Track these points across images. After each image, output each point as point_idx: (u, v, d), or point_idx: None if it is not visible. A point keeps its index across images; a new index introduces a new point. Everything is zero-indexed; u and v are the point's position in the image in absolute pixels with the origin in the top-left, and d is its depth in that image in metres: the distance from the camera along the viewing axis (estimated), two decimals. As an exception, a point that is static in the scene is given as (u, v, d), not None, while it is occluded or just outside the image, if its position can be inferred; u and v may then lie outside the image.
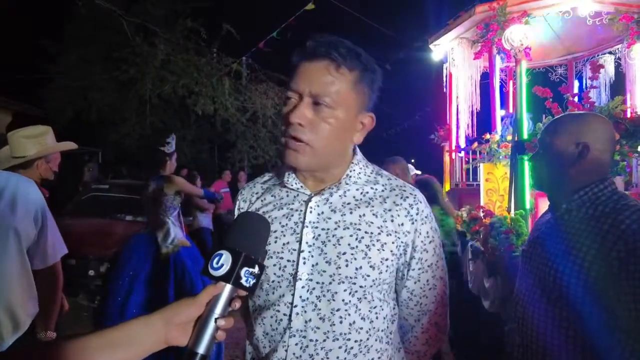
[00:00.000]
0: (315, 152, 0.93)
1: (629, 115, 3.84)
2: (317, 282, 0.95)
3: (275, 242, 0.98)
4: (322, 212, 0.98)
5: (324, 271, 0.94)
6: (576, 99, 3.90)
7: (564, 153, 1.25)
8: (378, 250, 0.95)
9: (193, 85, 9.52)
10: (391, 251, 0.97)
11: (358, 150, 1.06)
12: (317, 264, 0.95)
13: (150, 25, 9.10)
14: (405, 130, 14.32)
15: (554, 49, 5.54)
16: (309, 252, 0.96)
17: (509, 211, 3.96)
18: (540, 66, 6.00)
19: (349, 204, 0.98)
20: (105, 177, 8.69)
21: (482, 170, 4.52)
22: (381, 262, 0.95)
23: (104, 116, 10.13)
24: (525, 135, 4.10)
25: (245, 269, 0.73)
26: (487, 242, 3.71)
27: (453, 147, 5.44)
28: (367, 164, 1.06)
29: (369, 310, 0.96)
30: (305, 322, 0.94)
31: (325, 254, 0.95)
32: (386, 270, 0.97)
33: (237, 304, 0.75)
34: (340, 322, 0.94)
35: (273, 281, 0.97)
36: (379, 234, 0.96)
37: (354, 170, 1.02)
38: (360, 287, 0.94)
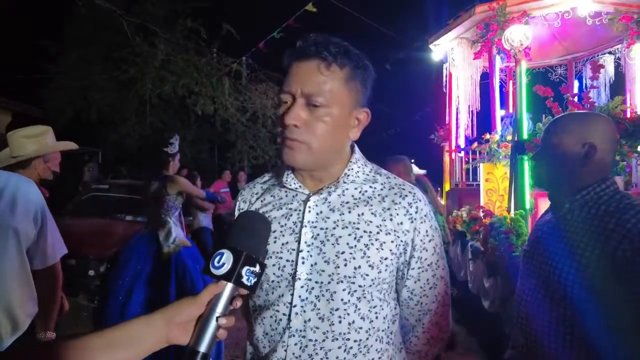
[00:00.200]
0: (312, 151, 0.93)
1: (628, 115, 3.85)
2: (316, 282, 0.95)
3: (275, 242, 0.98)
4: (321, 212, 0.98)
5: (323, 271, 0.94)
6: (576, 99, 3.90)
7: (569, 153, 1.25)
8: (377, 249, 0.95)
9: (193, 85, 9.52)
10: (390, 250, 0.96)
11: (357, 149, 1.06)
12: (315, 263, 0.95)
13: (150, 25, 9.11)
14: (405, 130, 14.34)
15: (554, 49, 5.55)
16: (308, 251, 0.96)
17: (508, 211, 3.96)
18: (540, 66, 6.01)
19: (347, 203, 0.98)
20: (105, 177, 8.69)
21: (482, 170, 4.52)
22: (380, 261, 0.95)
23: (104, 116, 10.13)
24: (525, 135, 4.11)
25: (246, 267, 0.73)
26: (487, 242, 3.72)
27: (453, 147, 5.45)
28: (366, 163, 1.06)
29: (369, 310, 0.96)
30: (305, 322, 0.94)
31: (324, 253, 0.95)
32: (385, 270, 0.96)
33: (238, 303, 0.76)
34: (340, 322, 0.94)
35: (272, 281, 0.98)
36: (378, 233, 0.96)
37: (352, 169, 1.01)
38: (360, 286, 0.94)
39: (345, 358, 0.94)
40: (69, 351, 0.68)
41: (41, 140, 2.09)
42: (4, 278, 1.70)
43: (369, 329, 0.96)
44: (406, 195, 1.00)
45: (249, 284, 0.74)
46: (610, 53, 5.30)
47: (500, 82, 5.42)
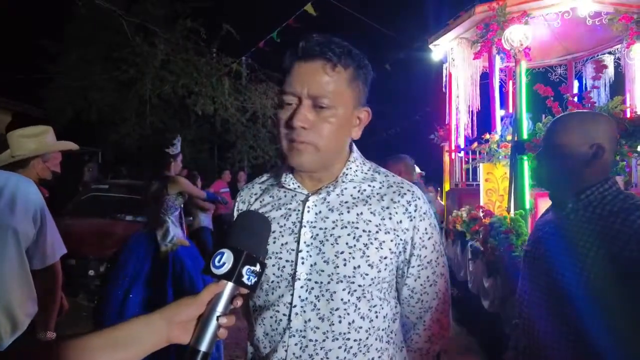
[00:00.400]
0: (319, 152, 0.93)
1: (628, 115, 3.85)
2: (316, 282, 0.95)
3: (274, 242, 0.98)
4: (320, 212, 0.98)
5: (323, 271, 0.94)
6: (576, 99, 3.90)
7: (576, 153, 1.24)
8: (376, 248, 0.95)
9: (193, 85, 9.52)
10: (390, 249, 0.96)
11: (355, 147, 1.06)
12: (315, 263, 0.95)
13: (150, 25, 9.10)
14: (405, 130, 14.33)
15: (554, 49, 5.55)
16: (307, 252, 0.96)
17: (508, 211, 3.96)
18: (539, 66, 6.01)
19: (346, 202, 0.98)
20: (105, 177, 8.69)
21: (481, 170, 4.52)
22: (380, 260, 0.95)
23: (104, 116, 10.13)
24: (524, 135, 4.11)
25: (246, 267, 0.74)
26: (487, 242, 3.72)
27: (453, 147, 5.45)
28: (364, 161, 1.06)
29: (369, 309, 0.96)
30: (305, 322, 0.94)
31: (324, 253, 0.95)
32: (385, 269, 0.96)
33: (238, 302, 0.76)
34: (340, 322, 0.94)
35: (272, 281, 0.98)
36: (377, 232, 0.96)
37: (351, 168, 1.01)
38: (359, 286, 0.94)
39: (345, 357, 0.94)
40: (69, 351, 0.68)
41: (41, 140, 2.09)
42: (3, 278, 1.70)
43: (369, 328, 0.96)
44: (405, 194, 1.00)
45: (249, 283, 0.74)
46: (610, 53, 5.31)
47: (500, 82, 5.42)
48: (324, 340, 0.94)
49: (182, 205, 3.36)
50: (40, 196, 1.87)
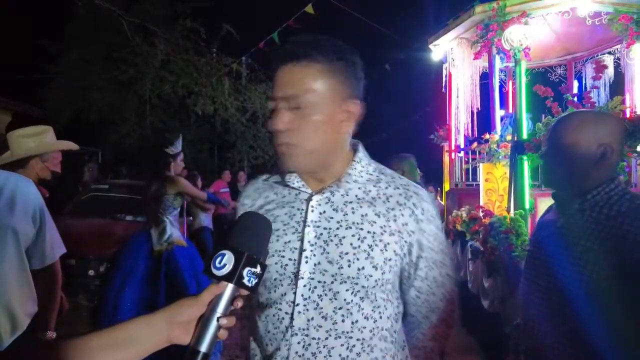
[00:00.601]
0: (306, 152, 0.93)
1: (628, 115, 3.85)
2: (319, 281, 0.95)
3: (277, 240, 0.98)
4: (324, 211, 0.98)
5: (326, 270, 0.94)
6: (576, 99, 3.91)
7: (585, 153, 1.22)
8: (381, 250, 0.94)
9: (193, 85, 9.53)
10: (394, 251, 0.96)
11: (361, 148, 1.05)
12: (319, 263, 0.95)
13: (150, 25, 9.11)
14: (405, 130, 14.32)
15: (553, 49, 5.54)
16: (311, 251, 0.95)
17: (508, 211, 3.96)
18: (539, 66, 6.00)
19: (351, 203, 0.98)
20: (105, 177, 8.69)
21: (481, 170, 4.52)
22: (384, 262, 0.95)
23: (104, 116, 10.13)
24: (524, 135, 4.11)
25: (247, 268, 0.73)
26: (487, 242, 3.71)
27: (453, 147, 5.44)
28: (370, 162, 1.05)
29: (372, 310, 0.96)
30: (308, 320, 0.94)
31: (328, 253, 0.95)
32: (389, 271, 0.96)
33: (239, 304, 0.76)
34: (343, 321, 0.94)
35: (275, 279, 0.98)
36: (382, 234, 0.95)
37: (355, 168, 1.00)
38: (363, 287, 0.94)
39: (348, 356, 0.94)
40: (69, 351, 0.68)
41: (41, 139, 2.09)
42: (3, 278, 1.70)
43: (373, 328, 0.96)
44: (411, 196, 1.00)
45: (250, 284, 0.74)
46: (609, 53, 5.30)
47: (500, 82, 5.42)
48: (326, 339, 0.94)
49: (181, 206, 3.37)
50: (39, 196, 1.87)
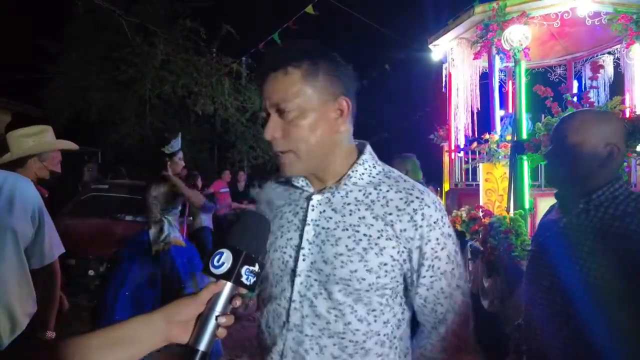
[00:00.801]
0: (302, 155, 0.95)
1: (627, 115, 3.85)
2: (315, 280, 0.96)
3: (281, 236, 1.01)
4: (324, 211, 0.99)
5: (321, 270, 0.95)
6: (575, 99, 3.91)
7: (592, 152, 1.22)
8: (376, 254, 0.93)
9: (192, 85, 9.53)
10: (391, 256, 0.94)
11: (368, 149, 1.04)
12: (315, 261, 0.96)
13: (150, 25, 9.11)
14: (405, 130, 14.32)
15: (553, 49, 5.55)
16: (309, 249, 0.97)
17: (508, 211, 3.96)
18: (539, 66, 6.01)
19: (349, 204, 0.98)
20: (105, 177, 8.69)
21: (481, 170, 4.52)
22: (379, 266, 0.93)
23: (104, 116, 10.13)
24: (524, 135, 4.11)
25: (245, 267, 0.74)
26: (487, 242, 3.72)
27: (452, 147, 5.44)
28: (376, 164, 1.03)
29: (367, 313, 0.95)
30: (302, 317, 0.96)
31: (323, 253, 0.95)
32: (385, 276, 0.94)
33: (237, 302, 0.76)
34: (336, 321, 0.94)
35: (277, 274, 1.01)
36: (379, 237, 0.94)
37: (357, 170, 1.00)
38: (356, 289, 0.94)
39: (340, 356, 0.95)
40: (68, 350, 0.68)
41: (40, 138, 2.10)
42: (2, 278, 1.71)
43: (367, 331, 0.95)
44: (412, 201, 0.95)
45: (248, 283, 0.74)
46: (609, 53, 5.30)
47: (499, 82, 5.42)
48: (319, 337, 0.95)
49: (181, 206, 3.36)
50: (38, 195, 1.87)
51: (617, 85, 5.17)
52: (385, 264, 0.94)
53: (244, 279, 0.74)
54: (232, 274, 0.73)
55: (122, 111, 10.11)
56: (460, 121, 5.25)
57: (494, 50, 4.40)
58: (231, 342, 3.71)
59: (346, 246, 0.94)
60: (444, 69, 5.54)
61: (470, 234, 4.29)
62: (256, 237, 0.81)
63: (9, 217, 1.73)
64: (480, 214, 4.18)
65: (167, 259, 3.15)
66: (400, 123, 14.62)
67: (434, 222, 0.95)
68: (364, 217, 0.96)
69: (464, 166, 5.37)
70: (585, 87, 5.46)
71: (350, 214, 0.97)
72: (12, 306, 1.72)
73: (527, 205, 3.88)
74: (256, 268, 0.75)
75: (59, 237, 1.97)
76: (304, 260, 0.97)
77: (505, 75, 5.92)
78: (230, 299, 0.75)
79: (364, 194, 0.98)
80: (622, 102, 4.15)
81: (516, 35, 4.12)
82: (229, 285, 0.74)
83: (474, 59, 4.94)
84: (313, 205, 0.99)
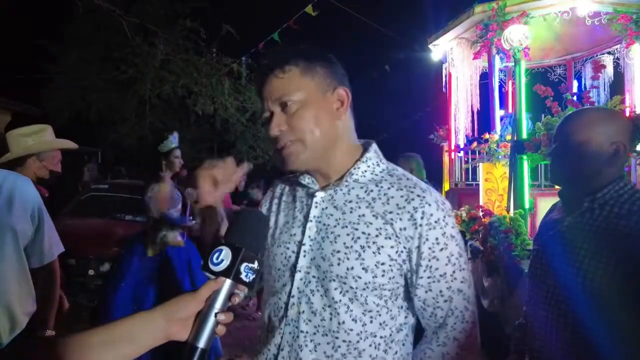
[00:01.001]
0: (308, 144, 0.96)
1: (627, 114, 3.85)
2: (313, 276, 0.97)
3: (286, 232, 1.03)
4: (326, 208, 1.00)
5: (319, 266, 0.96)
6: (575, 98, 3.91)
7: (598, 151, 1.21)
8: (373, 252, 0.93)
9: (192, 85, 9.54)
10: (389, 255, 0.93)
11: (373, 147, 1.04)
12: (314, 258, 0.98)
13: (149, 25, 9.11)
14: (405, 130, 14.32)
15: (553, 49, 5.55)
16: (310, 245, 0.99)
17: (508, 211, 3.97)
18: (539, 66, 6.01)
19: (350, 202, 0.98)
20: (105, 177, 8.68)
21: (481, 170, 4.52)
22: (376, 265, 0.92)
23: (104, 116, 10.15)
24: (524, 135, 4.12)
25: (245, 264, 0.74)
26: (487, 242, 3.72)
27: (452, 147, 5.44)
28: (380, 163, 1.02)
29: (362, 313, 0.94)
30: (299, 313, 0.97)
31: (322, 249, 0.96)
32: (383, 275, 0.93)
33: (236, 299, 0.76)
34: (330, 319, 0.94)
35: (279, 269, 1.03)
36: (377, 236, 0.93)
37: (359, 167, 1.00)
38: (351, 287, 0.93)
39: (333, 355, 0.94)
40: (68, 348, 0.68)
41: (40, 138, 2.10)
42: (2, 277, 1.70)
43: (361, 332, 0.94)
44: (413, 199, 0.94)
45: (247, 280, 0.74)
46: (609, 53, 5.30)
47: (499, 82, 5.42)
48: (314, 334, 0.96)
49: (181, 206, 3.35)
50: (37, 194, 1.87)
51: (617, 85, 5.17)
52: (383, 264, 0.93)
53: (243, 276, 0.74)
54: (231, 271, 0.73)
55: (122, 111, 10.12)
56: (460, 121, 5.25)
57: (494, 50, 4.40)
58: (231, 342, 3.71)
59: (344, 243, 0.94)
60: (443, 69, 5.55)
61: (470, 234, 4.29)
62: (255, 234, 0.81)
63: (9, 216, 1.73)
64: (480, 214, 4.18)
65: (164, 259, 3.15)
66: (400, 123, 14.62)
67: (435, 222, 0.93)
68: (363, 215, 0.96)
69: (464, 166, 5.37)
70: (585, 87, 5.46)
71: (351, 212, 0.97)
72: (12, 305, 1.72)
73: (527, 205, 3.88)
74: (255, 265, 0.75)
75: (59, 237, 1.96)
76: (304, 256, 0.98)
77: (505, 75, 5.92)
78: (230, 296, 0.75)
79: (365, 191, 0.99)
80: (622, 101, 4.16)
81: (516, 35, 4.13)
82: (228, 282, 0.73)
83: (473, 59, 4.94)
84: (316, 202, 1.01)
